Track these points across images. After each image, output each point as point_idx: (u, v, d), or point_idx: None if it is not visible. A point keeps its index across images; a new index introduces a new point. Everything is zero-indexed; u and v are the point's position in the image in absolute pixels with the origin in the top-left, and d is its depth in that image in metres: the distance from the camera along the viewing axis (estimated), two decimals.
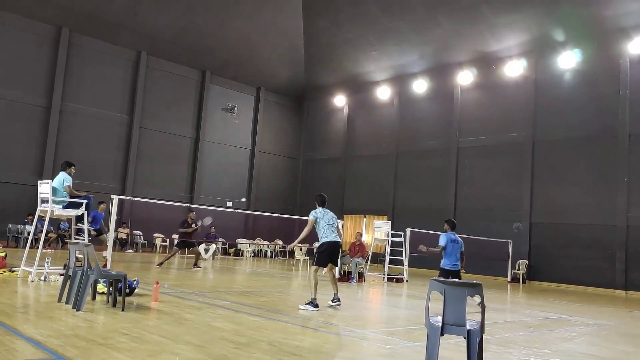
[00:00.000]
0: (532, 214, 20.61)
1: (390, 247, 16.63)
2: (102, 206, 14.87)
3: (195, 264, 15.76)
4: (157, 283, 8.23)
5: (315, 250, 8.94)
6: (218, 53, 25.82)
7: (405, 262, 16.24)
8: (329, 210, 9.01)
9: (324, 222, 8.76)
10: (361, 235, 17.21)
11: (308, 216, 9.07)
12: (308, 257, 20.34)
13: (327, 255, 8.71)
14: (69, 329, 5.65)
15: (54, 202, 9.87)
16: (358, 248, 15.90)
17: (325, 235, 8.70)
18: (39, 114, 21.29)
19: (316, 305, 8.34)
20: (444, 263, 9.57)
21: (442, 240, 9.67)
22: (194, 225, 15.65)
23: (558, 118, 20.38)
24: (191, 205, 20.79)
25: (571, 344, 7.18)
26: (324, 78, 28.74)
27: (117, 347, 4.92)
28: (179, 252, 16.66)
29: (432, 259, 20.10)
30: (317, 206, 9.05)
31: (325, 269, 8.98)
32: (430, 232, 17.53)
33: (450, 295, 4.52)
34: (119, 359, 4.54)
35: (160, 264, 15.14)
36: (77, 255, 7.77)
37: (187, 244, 15.89)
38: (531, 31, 21.02)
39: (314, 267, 8.79)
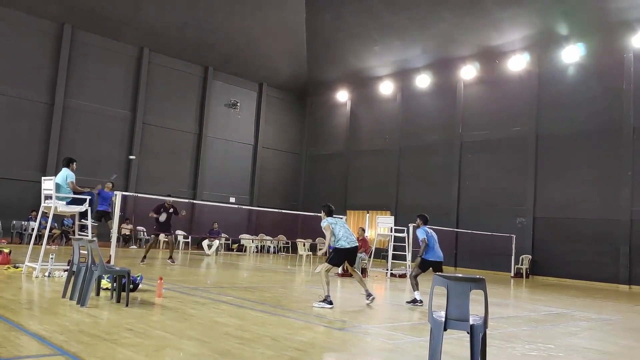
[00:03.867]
0: (535, 209, 20.57)
1: (393, 242, 16.63)
2: (109, 185, 14.22)
3: (170, 257, 14.65)
4: (161, 279, 8.26)
5: (331, 250, 8.98)
6: (220, 49, 25.79)
7: (409, 257, 16.24)
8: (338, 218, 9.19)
9: (339, 227, 8.80)
10: (364, 230, 17.18)
11: (309, 211, 9.17)
12: (311, 253, 20.34)
13: (343, 258, 8.84)
14: (74, 324, 5.67)
15: (58, 198, 9.90)
16: (361, 243, 15.84)
17: (345, 239, 8.70)
18: (42, 111, 21.32)
19: (330, 302, 8.23)
20: (428, 255, 9.92)
21: (422, 233, 10.04)
22: (171, 210, 14.50)
23: (561, 112, 20.31)
24: (194, 201, 20.80)
25: (575, 338, 7.17)
26: (326, 73, 28.69)
27: (122, 343, 4.94)
28: (157, 241, 15.09)
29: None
30: (325, 216, 9.00)
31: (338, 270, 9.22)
32: (433, 227, 17.54)
33: (453, 291, 4.52)
34: (123, 354, 4.55)
35: (143, 258, 14.09)
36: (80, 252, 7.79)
37: (164, 228, 14.57)
38: (534, 25, 20.92)
39: (326, 266, 8.62)
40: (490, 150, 22.27)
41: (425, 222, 10.48)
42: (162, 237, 14.88)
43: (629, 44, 18.75)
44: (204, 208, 23.64)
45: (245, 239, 24.81)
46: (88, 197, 10.15)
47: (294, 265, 18.46)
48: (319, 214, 9.44)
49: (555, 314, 9.77)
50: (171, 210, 14.65)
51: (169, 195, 15.16)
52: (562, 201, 19.92)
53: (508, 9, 20.81)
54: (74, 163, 10.36)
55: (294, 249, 23.85)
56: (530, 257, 20.22)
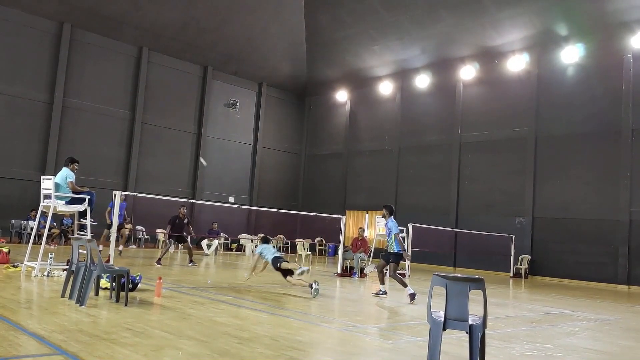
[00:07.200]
0: (534, 209, 20.58)
1: None
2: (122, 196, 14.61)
3: (191, 260, 14.88)
4: (160, 278, 8.26)
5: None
6: (220, 48, 25.79)
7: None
8: None
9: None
10: (363, 230, 17.19)
11: (309, 211, 9.23)
12: (310, 253, 20.34)
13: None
14: (73, 324, 5.67)
15: (57, 197, 9.89)
16: (360, 243, 15.90)
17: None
18: (41, 110, 21.30)
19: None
20: (398, 247, 10.17)
21: (396, 227, 10.17)
22: (186, 221, 14.99)
23: (561, 113, 20.33)
24: (193, 200, 20.79)
25: (573, 338, 7.18)
26: (325, 73, 28.69)
27: (121, 342, 4.94)
28: (174, 247, 15.50)
29: (432, 254, 20.11)
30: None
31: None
32: (433, 227, 17.58)
33: (452, 291, 4.52)
34: (122, 353, 4.55)
35: (159, 260, 14.51)
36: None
37: (179, 238, 15.09)
38: (534, 25, 20.93)
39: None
40: (489, 151, 22.28)
41: (392, 213, 10.39)
42: (172, 248, 15.19)
43: (629, 44, 18.77)
44: (203, 208, 23.63)
45: (245, 239, 24.80)
46: (87, 197, 10.14)
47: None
48: (318, 214, 9.46)
49: (554, 314, 9.78)
50: (185, 220, 15.04)
51: (183, 206, 15.35)
52: (561, 201, 19.94)
53: (507, 9, 20.82)
54: (76, 163, 10.35)
55: (293, 249, 23.84)
56: (529, 257, 20.23)
